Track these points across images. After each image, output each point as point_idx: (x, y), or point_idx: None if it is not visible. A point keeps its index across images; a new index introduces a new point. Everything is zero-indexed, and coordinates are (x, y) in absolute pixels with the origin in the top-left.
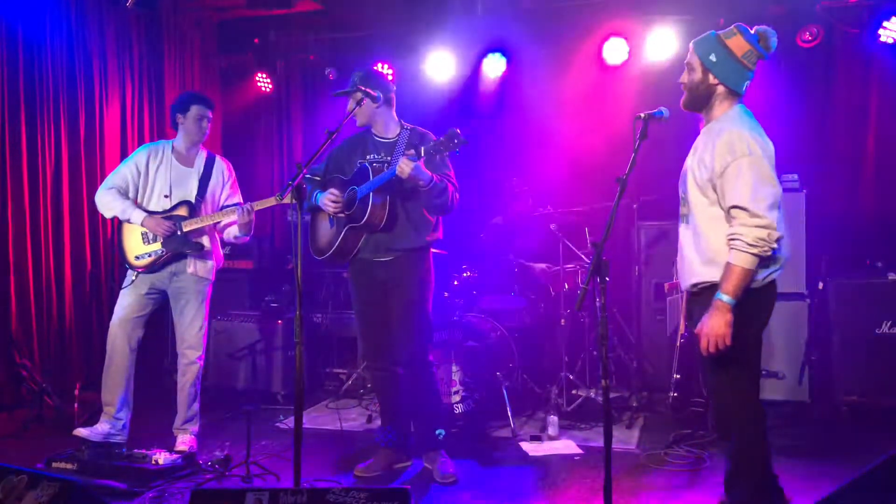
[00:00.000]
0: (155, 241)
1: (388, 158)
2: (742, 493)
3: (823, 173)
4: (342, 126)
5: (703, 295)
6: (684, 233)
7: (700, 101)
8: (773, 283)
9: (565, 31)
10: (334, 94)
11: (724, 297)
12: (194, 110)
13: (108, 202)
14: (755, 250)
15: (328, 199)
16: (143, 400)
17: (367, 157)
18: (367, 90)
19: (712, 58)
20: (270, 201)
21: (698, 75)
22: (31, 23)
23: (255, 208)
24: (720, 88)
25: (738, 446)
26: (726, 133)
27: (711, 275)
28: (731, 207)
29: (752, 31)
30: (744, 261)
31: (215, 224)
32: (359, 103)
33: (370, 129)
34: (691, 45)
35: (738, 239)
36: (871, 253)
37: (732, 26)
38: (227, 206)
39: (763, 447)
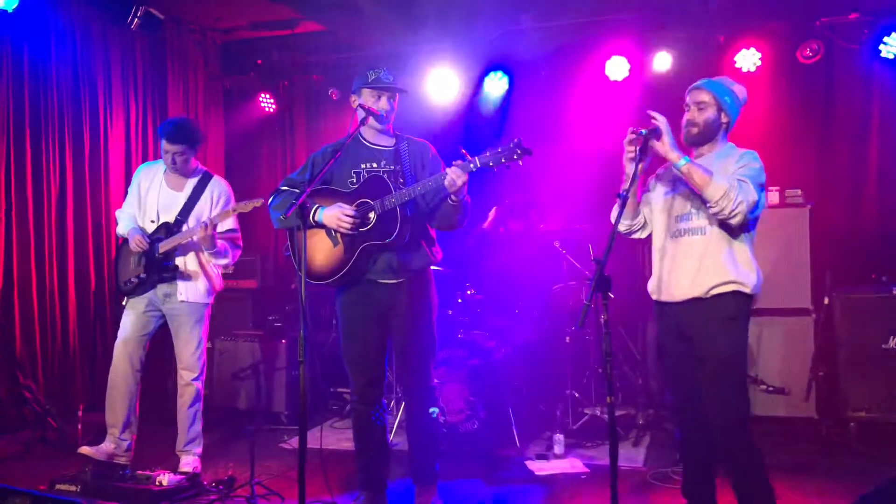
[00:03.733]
0: (139, 265)
1: (397, 168)
2: (758, 489)
3: (827, 188)
4: (345, 144)
5: (713, 301)
6: (688, 245)
7: (709, 137)
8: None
9: (567, 48)
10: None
11: (685, 158)
12: (162, 143)
13: (120, 220)
14: (720, 192)
15: (343, 214)
16: (149, 420)
17: (363, 165)
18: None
19: (727, 99)
20: (227, 214)
21: (712, 113)
22: (36, 43)
23: (215, 222)
24: (727, 125)
25: (743, 451)
26: (742, 151)
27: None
28: (738, 172)
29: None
30: (716, 184)
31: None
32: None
33: (360, 136)
34: (703, 85)
35: (733, 189)
36: (876, 267)
37: (725, 77)
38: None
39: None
